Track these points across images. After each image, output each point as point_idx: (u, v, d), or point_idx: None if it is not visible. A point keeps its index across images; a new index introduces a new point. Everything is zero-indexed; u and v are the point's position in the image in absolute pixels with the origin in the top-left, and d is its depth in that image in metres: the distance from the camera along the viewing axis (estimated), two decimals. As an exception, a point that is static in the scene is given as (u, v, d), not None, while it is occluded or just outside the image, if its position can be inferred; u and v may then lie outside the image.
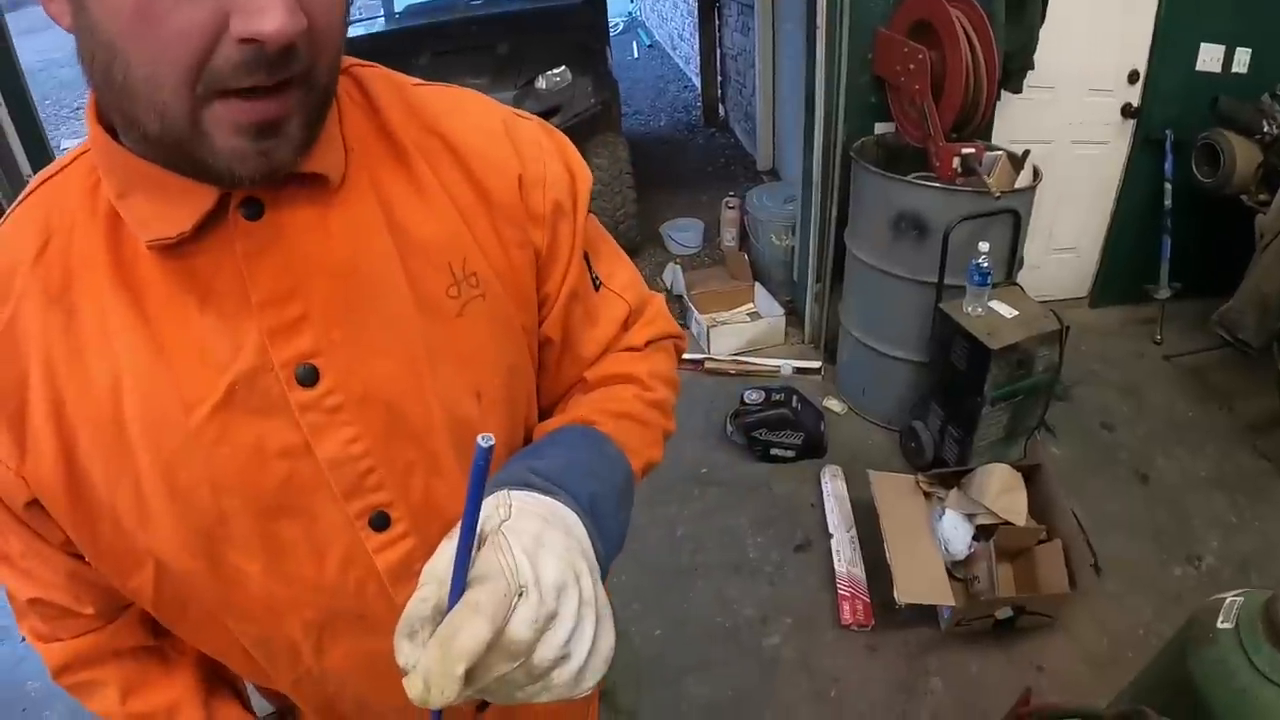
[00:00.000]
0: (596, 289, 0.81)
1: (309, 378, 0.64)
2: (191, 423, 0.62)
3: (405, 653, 0.50)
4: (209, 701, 0.81)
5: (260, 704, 0.93)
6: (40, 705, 2.36)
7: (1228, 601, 1.38)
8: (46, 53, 8.99)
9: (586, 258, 0.80)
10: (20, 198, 0.66)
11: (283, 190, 0.63)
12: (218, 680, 0.84)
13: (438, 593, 0.50)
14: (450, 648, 0.48)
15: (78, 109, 9.17)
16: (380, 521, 0.69)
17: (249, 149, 0.55)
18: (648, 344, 0.85)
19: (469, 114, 0.74)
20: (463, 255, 0.69)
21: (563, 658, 0.52)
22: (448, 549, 0.52)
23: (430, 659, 0.48)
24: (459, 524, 0.50)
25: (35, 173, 2.44)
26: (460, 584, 0.50)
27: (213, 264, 0.62)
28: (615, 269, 0.85)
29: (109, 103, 0.57)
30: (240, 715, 0.84)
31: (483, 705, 0.84)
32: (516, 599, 0.50)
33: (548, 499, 0.59)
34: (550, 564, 0.53)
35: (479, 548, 0.52)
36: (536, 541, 0.54)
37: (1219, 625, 1.35)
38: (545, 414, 0.83)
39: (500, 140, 0.73)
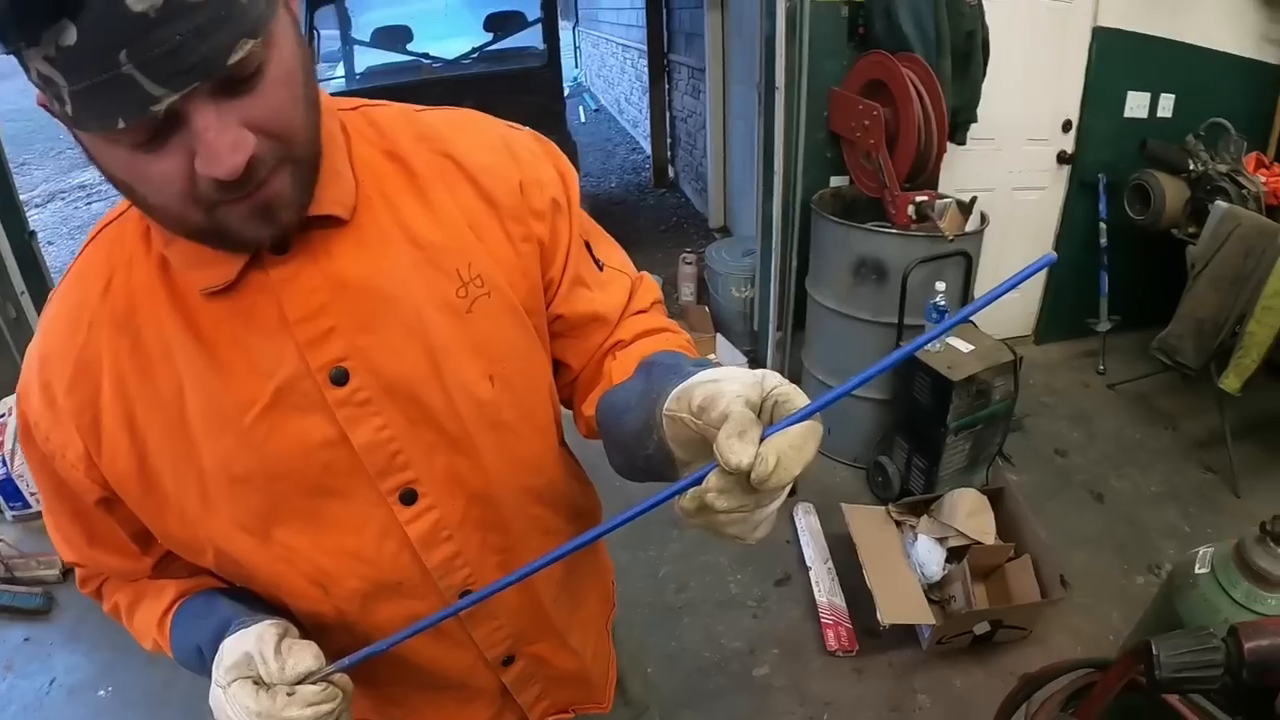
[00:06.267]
0: (602, 269, 0.93)
1: (341, 378, 0.75)
2: (246, 421, 0.74)
3: (737, 450, 0.57)
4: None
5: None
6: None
7: (1200, 552, 1.55)
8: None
9: (589, 246, 0.92)
10: (87, 240, 0.79)
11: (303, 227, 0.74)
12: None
13: (750, 413, 0.59)
14: (804, 450, 0.58)
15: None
16: (409, 497, 0.80)
17: (259, 225, 0.66)
18: (652, 305, 0.98)
19: (473, 134, 0.85)
20: (468, 260, 0.80)
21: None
22: (739, 382, 0.61)
23: (785, 443, 0.57)
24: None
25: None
26: (807, 414, 0.59)
27: (253, 291, 0.73)
28: (611, 253, 0.97)
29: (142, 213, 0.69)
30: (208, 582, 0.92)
31: (509, 659, 0.96)
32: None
33: None
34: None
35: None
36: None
37: (1197, 571, 1.51)
38: (580, 379, 0.95)
39: (502, 154, 0.84)
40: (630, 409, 0.74)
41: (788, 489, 0.60)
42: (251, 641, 0.74)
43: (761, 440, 0.57)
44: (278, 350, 0.73)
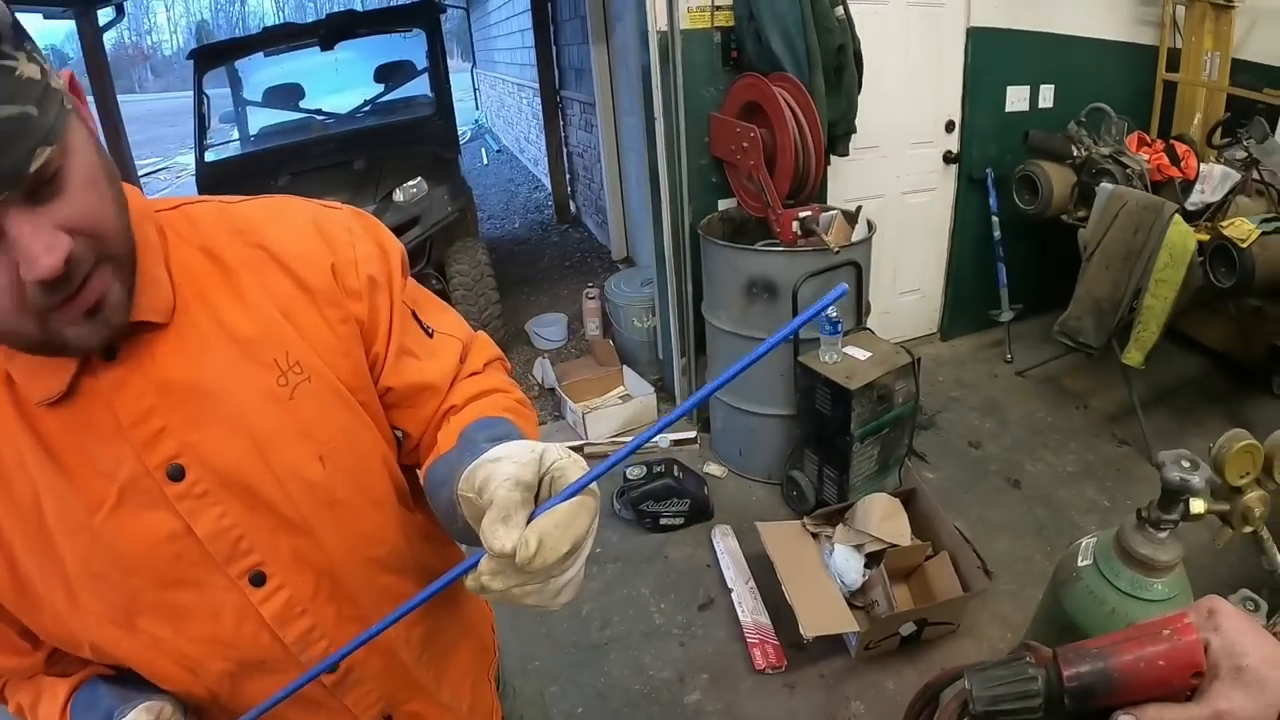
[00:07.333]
0: (431, 336, 0.95)
1: (177, 474, 0.78)
2: (96, 522, 0.77)
3: (500, 535, 0.61)
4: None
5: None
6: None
7: (1083, 544, 1.56)
8: None
9: (416, 315, 0.94)
10: None
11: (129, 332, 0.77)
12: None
13: (523, 493, 0.63)
14: (571, 527, 0.61)
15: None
16: (258, 579, 0.83)
17: (90, 328, 0.70)
18: (486, 365, 1.00)
19: (284, 222, 0.87)
20: (285, 349, 0.83)
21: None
22: (512, 462, 0.65)
23: (550, 523, 0.61)
24: (538, 452, 0.66)
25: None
26: (575, 491, 0.63)
27: (88, 400, 0.76)
28: (441, 318, 0.99)
29: None
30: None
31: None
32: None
33: None
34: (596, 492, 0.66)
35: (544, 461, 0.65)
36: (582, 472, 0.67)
37: (1080, 564, 1.53)
38: (422, 445, 0.96)
39: (313, 239, 0.87)
40: (445, 483, 0.78)
41: (579, 559, 0.64)
42: None
43: (532, 519, 0.61)
44: (116, 453, 0.76)
